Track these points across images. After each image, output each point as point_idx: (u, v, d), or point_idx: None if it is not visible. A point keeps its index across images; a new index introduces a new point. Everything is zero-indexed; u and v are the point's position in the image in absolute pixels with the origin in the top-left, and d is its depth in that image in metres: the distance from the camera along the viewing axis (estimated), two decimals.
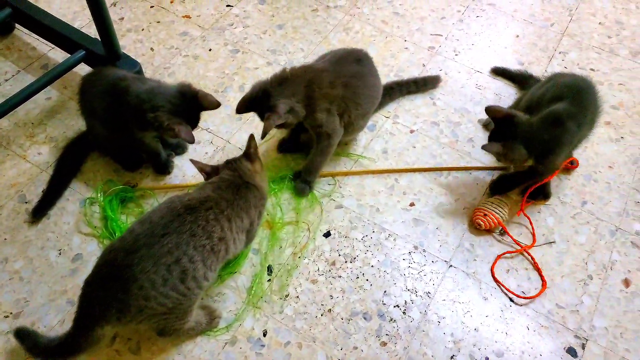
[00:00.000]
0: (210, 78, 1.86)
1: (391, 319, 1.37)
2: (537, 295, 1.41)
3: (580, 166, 1.66)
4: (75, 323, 1.13)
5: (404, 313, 1.39)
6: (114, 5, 2.07)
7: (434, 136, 1.73)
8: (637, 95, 1.86)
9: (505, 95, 1.84)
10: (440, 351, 1.33)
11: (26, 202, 1.54)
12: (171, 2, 2.10)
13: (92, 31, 1.80)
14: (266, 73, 1.86)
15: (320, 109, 1.44)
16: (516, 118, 1.40)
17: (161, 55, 1.92)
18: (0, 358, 1.29)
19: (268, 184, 1.56)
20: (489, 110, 1.44)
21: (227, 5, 2.10)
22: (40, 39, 1.91)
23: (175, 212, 1.14)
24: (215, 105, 1.40)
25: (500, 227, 1.52)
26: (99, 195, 1.54)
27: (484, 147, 1.41)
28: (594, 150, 1.71)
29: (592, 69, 1.93)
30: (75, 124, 1.71)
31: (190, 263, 1.12)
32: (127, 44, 1.94)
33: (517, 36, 2.03)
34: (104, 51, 1.72)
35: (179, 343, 1.31)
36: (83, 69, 1.78)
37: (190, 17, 2.05)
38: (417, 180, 1.63)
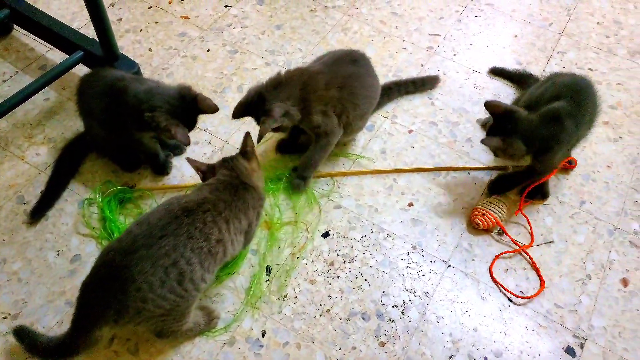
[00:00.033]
0: (208, 78, 1.86)
1: (390, 319, 1.37)
2: (535, 295, 1.41)
3: (578, 166, 1.66)
4: (73, 324, 1.13)
5: (402, 313, 1.39)
6: (112, 6, 2.07)
7: (432, 136, 1.73)
8: (635, 94, 1.86)
9: (504, 95, 1.84)
10: (438, 351, 1.33)
11: (24, 203, 1.54)
12: (169, 3, 2.10)
13: (90, 32, 1.80)
14: (264, 73, 1.87)
15: (315, 112, 1.45)
16: (516, 114, 1.40)
17: (159, 56, 1.92)
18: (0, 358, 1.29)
19: (265, 182, 1.57)
20: (488, 105, 1.43)
21: (226, 6, 2.10)
22: (39, 39, 1.91)
23: (173, 214, 1.14)
24: (214, 109, 1.40)
25: (499, 227, 1.52)
26: (98, 196, 1.54)
27: (483, 142, 1.41)
28: (593, 150, 1.71)
29: (590, 69, 1.93)
30: (74, 124, 1.71)
31: (188, 265, 1.12)
32: (126, 45, 1.94)
33: (516, 36, 2.03)
34: (102, 52, 1.72)
35: (177, 344, 1.31)
36: (81, 70, 1.78)
37: (188, 18, 2.05)
38: (415, 181, 1.63)
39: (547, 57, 1.96)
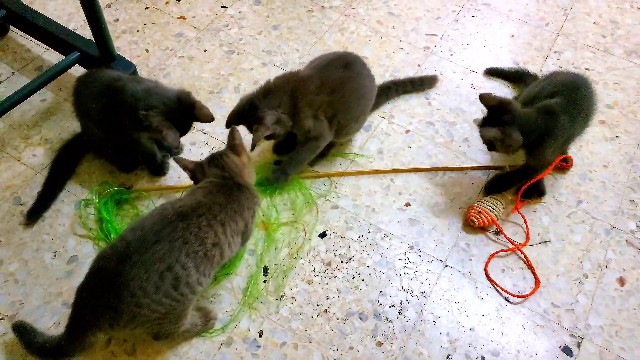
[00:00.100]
0: (205, 79, 1.86)
1: (387, 319, 1.37)
2: (530, 294, 1.41)
3: (575, 165, 1.67)
4: (68, 329, 1.12)
5: (399, 313, 1.39)
6: (109, 7, 2.06)
7: (429, 136, 1.73)
8: (631, 94, 1.86)
9: (502, 95, 1.83)
10: (436, 351, 1.33)
11: (21, 204, 1.54)
12: (166, 3, 2.10)
13: (86, 33, 1.79)
14: (261, 74, 1.87)
15: (305, 117, 1.45)
16: (512, 105, 1.41)
17: (156, 57, 1.92)
18: None
19: (262, 183, 1.57)
20: (482, 97, 1.44)
21: (222, 6, 2.10)
22: (35, 40, 1.90)
23: (167, 219, 1.13)
24: (210, 119, 1.41)
25: (495, 227, 1.52)
26: (94, 197, 1.53)
27: (481, 132, 1.41)
28: (589, 150, 1.71)
29: (587, 68, 1.93)
30: (70, 125, 1.70)
31: (183, 270, 1.11)
32: (122, 46, 1.94)
33: (512, 36, 2.03)
34: (99, 53, 1.71)
35: (174, 345, 1.31)
36: (78, 71, 1.78)
37: (185, 18, 2.05)
38: (412, 180, 1.63)
39: (544, 56, 1.96)
